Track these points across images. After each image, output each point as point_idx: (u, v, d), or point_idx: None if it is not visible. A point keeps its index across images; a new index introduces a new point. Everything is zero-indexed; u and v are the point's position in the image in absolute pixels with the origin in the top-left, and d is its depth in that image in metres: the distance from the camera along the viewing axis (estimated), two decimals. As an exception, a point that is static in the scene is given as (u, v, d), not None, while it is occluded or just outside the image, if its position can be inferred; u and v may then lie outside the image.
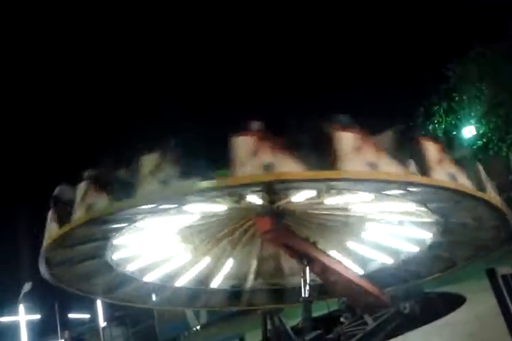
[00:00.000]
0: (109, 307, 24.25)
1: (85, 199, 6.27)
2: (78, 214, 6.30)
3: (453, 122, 20.60)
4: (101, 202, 6.16)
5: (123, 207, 6.22)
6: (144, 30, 32.64)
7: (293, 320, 11.01)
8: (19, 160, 31.24)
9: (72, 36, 33.69)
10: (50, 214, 6.92)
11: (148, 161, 5.96)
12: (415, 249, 8.57)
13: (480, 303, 9.07)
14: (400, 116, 22.80)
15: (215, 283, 9.34)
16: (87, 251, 7.51)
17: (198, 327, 25.43)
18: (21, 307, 16.78)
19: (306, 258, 7.42)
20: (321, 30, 29.66)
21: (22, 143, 32.32)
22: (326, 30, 29.23)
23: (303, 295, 7.52)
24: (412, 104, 21.31)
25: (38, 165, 30.79)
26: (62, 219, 6.58)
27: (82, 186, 6.44)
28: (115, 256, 7.96)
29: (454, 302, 10.68)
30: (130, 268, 8.43)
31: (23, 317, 16.98)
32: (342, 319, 12.54)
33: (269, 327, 9.89)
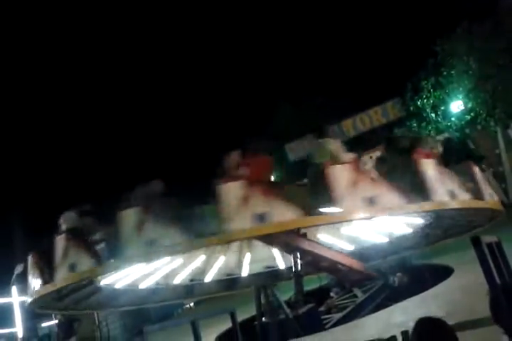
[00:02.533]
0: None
1: (66, 256, 5.90)
2: (61, 273, 5.96)
3: (441, 97, 20.59)
4: (84, 263, 5.79)
5: (108, 269, 5.98)
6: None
7: (285, 294, 11.16)
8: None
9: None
10: (31, 262, 6.64)
11: (130, 217, 5.51)
12: (408, 230, 8.59)
13: (466, 273, 9.24)
14: (389, 92, 22.85)
15: (210, 277, 9.18)
16: (75, 288, 7.21)
17: (192, 304, 25.73)
18: (14, 289, 16.78)
19: (297, 251, 7.25)
20: (306, 15, 29.36)
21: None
22: (310, 12, 28.96)
23: (293, 269, 7.57)
24: (401, 79, 21.28)
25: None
26: (45, 273, 6.27)
27: (61, 240, 6.03)
28: (105, 282, 7.73)
29: (442, 273, 10.87)
30: (123, 284, 8.22)
31: (17, 298, 16.96)
32: (332, 294, 12.76)
33: (262, 301, 10.03)
